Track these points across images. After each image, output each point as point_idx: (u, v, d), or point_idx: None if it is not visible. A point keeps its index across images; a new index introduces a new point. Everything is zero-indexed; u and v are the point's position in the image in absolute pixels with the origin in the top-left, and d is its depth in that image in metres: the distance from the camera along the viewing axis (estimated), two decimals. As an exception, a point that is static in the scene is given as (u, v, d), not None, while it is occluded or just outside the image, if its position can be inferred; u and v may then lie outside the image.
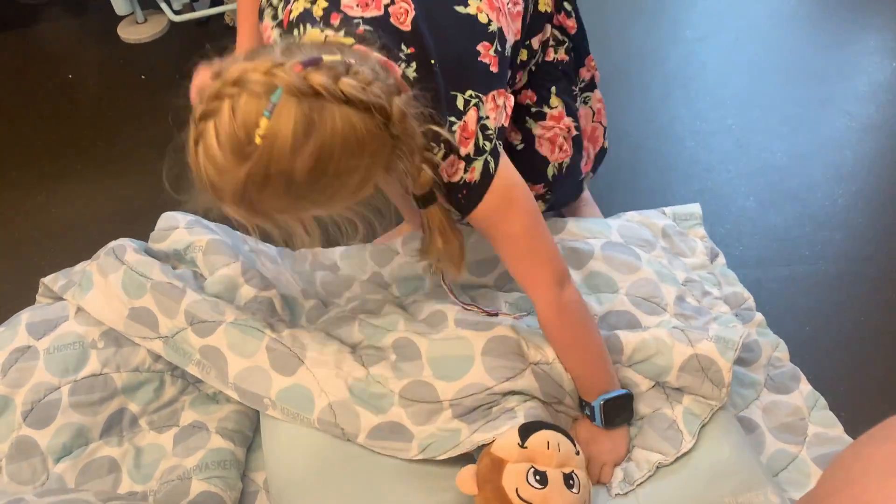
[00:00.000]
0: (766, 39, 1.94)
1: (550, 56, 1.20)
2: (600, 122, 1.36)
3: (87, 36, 2.16)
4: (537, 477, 0.97)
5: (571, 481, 0.98)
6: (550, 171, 1.23)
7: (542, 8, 1.14)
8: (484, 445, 1.03)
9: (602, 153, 1.39)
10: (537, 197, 1.25)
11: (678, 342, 1.10)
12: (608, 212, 1.44)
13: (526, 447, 0.99)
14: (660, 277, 1.23)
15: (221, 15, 2.09)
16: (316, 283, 1.32)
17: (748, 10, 2.04)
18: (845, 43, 1.90)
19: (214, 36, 2.09)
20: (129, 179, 1.68)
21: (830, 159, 1.61)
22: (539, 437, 1.00)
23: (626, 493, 1.06)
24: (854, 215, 1.49)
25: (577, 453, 1.01)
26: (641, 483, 1.06)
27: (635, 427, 1.12)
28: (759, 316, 1.31)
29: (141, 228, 1.32)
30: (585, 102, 1.33)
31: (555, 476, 0.97)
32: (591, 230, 1.33)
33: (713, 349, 1.09)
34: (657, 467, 1.07)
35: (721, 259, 1.41)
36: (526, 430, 1.01)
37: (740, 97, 1.78)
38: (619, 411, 1.08)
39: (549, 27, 1.18)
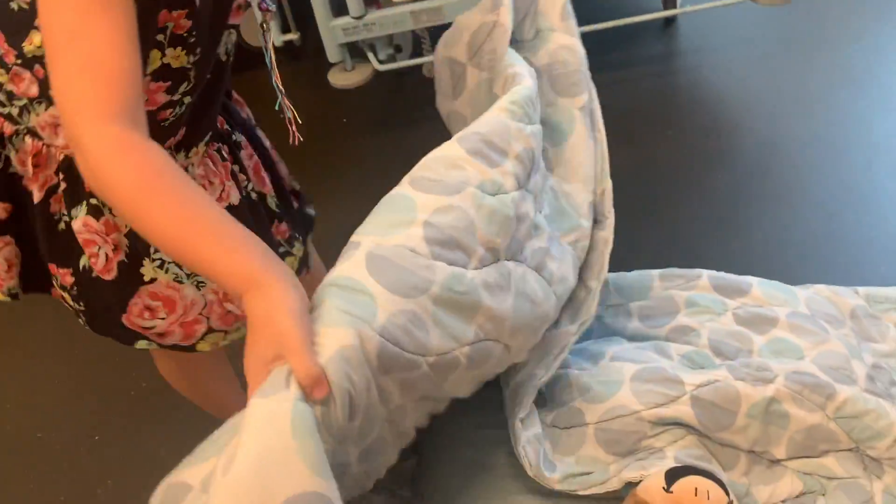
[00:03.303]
0: None
1: None
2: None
3: (300, 79, 2.36)
4: (682, 524, 0.93)
5: None
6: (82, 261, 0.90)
7: None
8: (630, 484, 1.00)
9: None
10: None
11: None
12: (795, 283, 1.36)
13: (671, 492, 0.95)
14: (850, 352, 1.15)
15: (420, 66, 2.21)
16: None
17: (973, 80, 1.89)
18: None
19: (413, 85, 2.22)
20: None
21: None
22: (686, 483, 0.95)
23: None
24: None
25: (731, 502, 0.96)
26: None
27: (826, 486, 1.04)
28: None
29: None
30: None
31: None
32: (776, 297, 1.27)
33: None
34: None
35: (923, 348, 1.29)
36: (672, 475, 0.97)
37: (957, 172, 1.64)
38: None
39: None
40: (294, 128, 1.00)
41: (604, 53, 2.18)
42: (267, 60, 0.95)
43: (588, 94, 1.17)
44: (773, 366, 1.09)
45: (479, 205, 0.87)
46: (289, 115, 0.99)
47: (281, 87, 0.97)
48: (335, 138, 2.05)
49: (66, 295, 0.95)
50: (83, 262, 0.90)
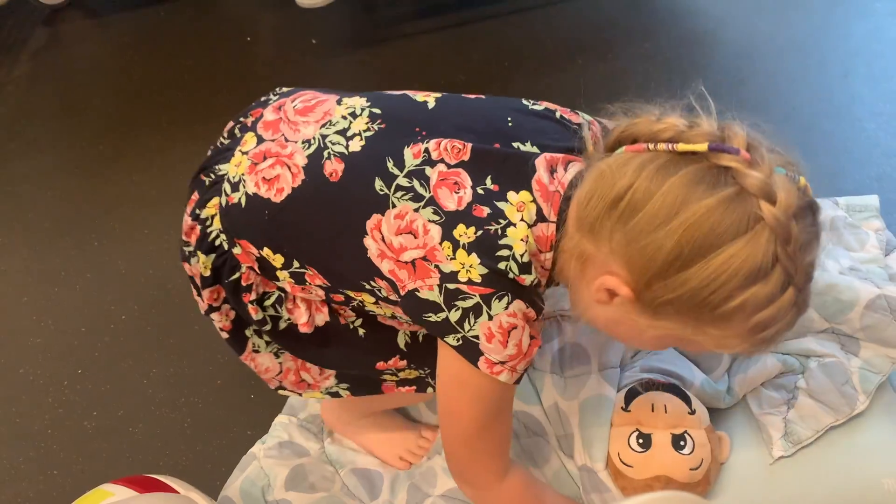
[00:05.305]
0: (971, 14, 1.77)
1: None
2: None
3: (266, 1, 2.28)
4: (640, 440, 0.96)
5: (682, 442, 0.96)
6: (402, 338, 0.94)
7: None
8: None
9: None
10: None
11: (862, 281, 1.04)
12: (772, 194, 1.36)
13: (629, 411, 0.99)
14: (825, 254, 1.17)
15: (390, -16, 2.14)
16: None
17: (951, -18, 1.86)
18: None
19: (382, 1, 2.16)
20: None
21: None
22: (642, 401, 0.99)
23: (792, 454, 0.99)
24: None
25: (692, 413, 0.98)
26: (806, 447, 0.99)
27: (805, 364, 1.05)
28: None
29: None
30: None
31: (661, 438, 0.96)
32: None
33: None
34: (828, 429, 0.99)
35: (901, 252, 1.30)
36: (630, 394, 1.00)
37: (933, 77, 1.63)
38: None
39: None
40: None
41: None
42: None
43: None
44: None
45: None
46: None
47: None
48: (306, 61, 2.00)
49: (406, 375, 0.97)
50: (402, 339, 0.93)
